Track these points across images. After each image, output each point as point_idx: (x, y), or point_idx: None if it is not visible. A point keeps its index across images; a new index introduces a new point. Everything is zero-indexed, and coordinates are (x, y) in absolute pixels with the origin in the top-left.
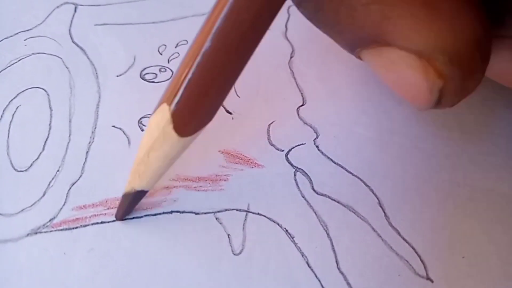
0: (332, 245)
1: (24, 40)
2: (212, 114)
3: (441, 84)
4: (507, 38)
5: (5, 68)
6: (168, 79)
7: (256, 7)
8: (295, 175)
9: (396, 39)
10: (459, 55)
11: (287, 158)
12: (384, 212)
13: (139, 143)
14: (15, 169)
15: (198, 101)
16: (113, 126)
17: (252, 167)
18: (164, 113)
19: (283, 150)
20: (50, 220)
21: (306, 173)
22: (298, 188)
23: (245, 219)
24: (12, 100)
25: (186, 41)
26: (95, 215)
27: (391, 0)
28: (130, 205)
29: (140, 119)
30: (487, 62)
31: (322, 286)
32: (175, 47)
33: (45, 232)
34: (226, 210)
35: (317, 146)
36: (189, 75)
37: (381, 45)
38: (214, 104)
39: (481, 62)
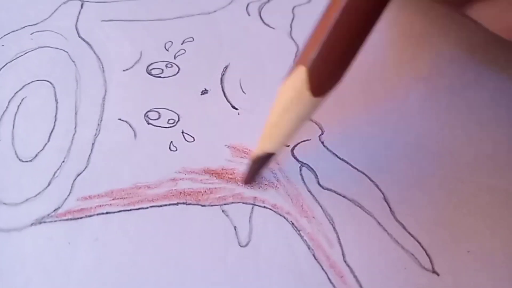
0: (338, 238)
1: (31, 34)
2: (343, 74)
3: None
4: None
5: (11, 61)
6: (174, 75)
7: None
8: (300, 170)
9: None
10: None
11: (293, 153)
12: (389, 207)
13: (271, 109)
14: (20, 160)
15: (332, 61)
16: (119, 119)
17: None
18: (300, 75)
19: (288, 146)
20: (54, 210)
21: (312, 168)
22: (304, 182)
23: (252, 212)
24: (17, 92)
25: (192, 38)
26: (100, 206)
27: None
28: (258, 169)
29: (147, 112)
30: None
31: (328, 278)
32: (181, 44)
33: (49, 221)
34: (232, 202)
35: (322, 142)
36: (323, 38)
37: None
38: (345, 64)
39: None
